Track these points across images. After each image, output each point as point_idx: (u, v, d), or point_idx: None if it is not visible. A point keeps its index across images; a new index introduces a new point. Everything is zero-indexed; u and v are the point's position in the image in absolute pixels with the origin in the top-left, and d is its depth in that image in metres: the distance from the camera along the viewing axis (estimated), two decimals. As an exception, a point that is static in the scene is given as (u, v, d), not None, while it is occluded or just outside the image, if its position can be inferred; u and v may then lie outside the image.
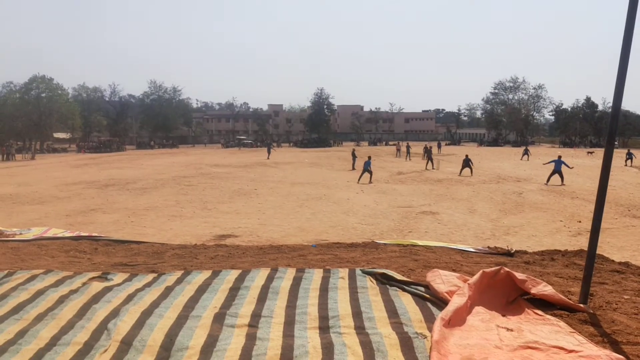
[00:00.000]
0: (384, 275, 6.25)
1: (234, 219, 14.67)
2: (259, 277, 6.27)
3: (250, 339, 4.50)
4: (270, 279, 6.21)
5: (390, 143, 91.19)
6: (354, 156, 37.16)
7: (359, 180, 26.49)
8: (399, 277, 6.21)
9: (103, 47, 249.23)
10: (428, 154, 37.65)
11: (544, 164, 28.94)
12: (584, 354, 4.08)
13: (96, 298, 5.54)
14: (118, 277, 6.43)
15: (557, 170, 25.59)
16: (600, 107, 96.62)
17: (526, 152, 49.79)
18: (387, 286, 5.94)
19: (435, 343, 4.14)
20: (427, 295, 5.53)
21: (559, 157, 26.94)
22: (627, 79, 5.20)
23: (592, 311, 5.17)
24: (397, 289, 5.81)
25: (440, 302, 5.29)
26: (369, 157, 28.11)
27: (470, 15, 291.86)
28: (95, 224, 13.94)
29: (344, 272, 6.50)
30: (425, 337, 4.47)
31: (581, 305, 5.27)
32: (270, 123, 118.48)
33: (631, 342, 4.40)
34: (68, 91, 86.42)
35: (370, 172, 26.93)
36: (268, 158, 47.10)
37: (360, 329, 4.72)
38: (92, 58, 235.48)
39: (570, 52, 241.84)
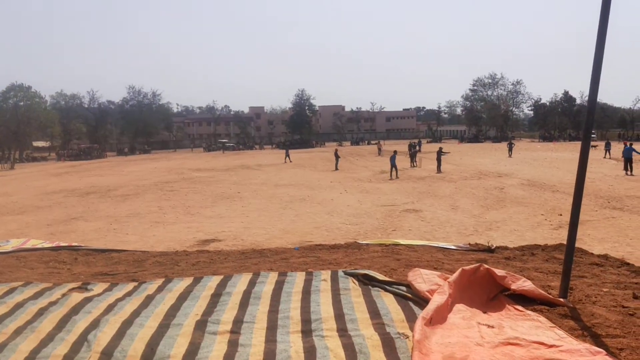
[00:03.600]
0: (366, 276, 6.26)
1: (217, 223, 14.61)
2: (240, 282, 6.24)
3: (232, 345, 4.48)
4: (252, 283, 6.19)
5: (372, 142, 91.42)
6: (337, 156, 37.22)
7: (390, 177, 27.53)
8: (381, 277, 6.22)
9: (80, 53, 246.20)
10: (410, 151, 37.97)
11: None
12: (564, 348, 4.11)
13: (76, 309, 5.46)
14: (98, 287, 6.36)
15: (627, 158, 25.60)
16: (578, 101, 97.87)
17: (510, 147, 47.37)
18: (370, 287, 5.94)
19: (416, 343, 4.15)
20: (409, 295, 5.54)
21: (631, 144, 27.10)
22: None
23: (571, 305, 5.22)
24: (379, 290, 5.81)
25: (422, 301, 5.30)
26: (395, 152, 28.89)
27: (448, 13, 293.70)
28: (77, 232, 13.80)
29: (326, 274, 6.49)
30: (407, 337, 4.47)
31: (561, 299, 5.32)
32: (252, 125, 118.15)
33: (610, 335, 4.45)
34: (46, 99, 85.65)
35: (394, 166, 28.19)
36: (285, 161, 46.36)
37: (342, 331, 4.71)
38: (69, 65, 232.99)
39: (547, 46, 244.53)
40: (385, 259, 7.59)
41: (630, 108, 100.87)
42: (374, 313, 5.09)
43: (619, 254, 8.75)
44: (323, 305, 5.38)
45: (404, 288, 5.78)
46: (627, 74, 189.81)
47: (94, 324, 5.00)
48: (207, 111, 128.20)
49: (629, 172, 25.62)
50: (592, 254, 7.92)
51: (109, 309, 5.47)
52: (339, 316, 5.06)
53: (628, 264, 7.15)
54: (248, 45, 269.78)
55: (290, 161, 45.99)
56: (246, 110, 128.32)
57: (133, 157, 77.52)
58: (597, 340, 4.37)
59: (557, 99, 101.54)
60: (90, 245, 10.61)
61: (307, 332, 4.74)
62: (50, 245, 10.29)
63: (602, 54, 5.21)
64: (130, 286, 6.38)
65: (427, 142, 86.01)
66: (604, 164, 33.31)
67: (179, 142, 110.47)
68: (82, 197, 23.05)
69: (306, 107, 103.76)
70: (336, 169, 35.28)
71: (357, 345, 4.35)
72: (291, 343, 4.47)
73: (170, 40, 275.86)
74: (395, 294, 5.62)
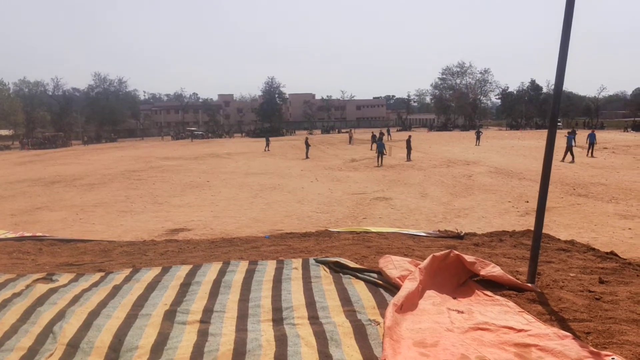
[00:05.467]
0: (337, 263, 6.26)
1: (186, 213, 14.43)
2: (210, 271, 6.18)
3: (202, 335, 4.42)
4: (222, 272, 6.12)
5: (343, 131, 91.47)
6: (307, 145, 37.14)
7: (379, 164, 27.96)
8: (352, 264, 6.22)
9: (44, 39, 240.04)
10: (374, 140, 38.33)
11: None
12: (533, 332, 4.17)
13: (41, 300, 5.33)
14: (63, 278, 6.22)
15: (569, 147, 26.38)
16: (544, 90, 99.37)
17: (478, 136, 46.99)
18: (341, 274, 5.95)
19: (387, 329, 4.15)
20: (380, 282, 5.56)
21: (572, 131, 28.43)
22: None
23: (539, 290, 5.30)
24: (351, 277, 5.82)
25: (393, 287, 5.32)
26: (381, 139, 29.95)
27: (417, 3, 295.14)
28: (42, 222, 13.47)
29: (297, 263, 6.47)
30: (379, 323, 4.48)
31: (529, 284, 5.40)
32: (221, 113, 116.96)
33: (577, 319, 4.53)
34: (9, 86, 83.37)
35: (380, 153, 28.75)
36: (266, 150, 45.79)
37: (313, 319, 4.70)
38: (33, 51, 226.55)
39: (514, 35, 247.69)
40: (356, 247, 7.59)
41: (594, 97, 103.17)
42: (345, 300, 5.09)
43: (584, 239, 8.92)
44: (294, 294, 5.36)
45: (375, 275, 5.80)
46: (592, 63, 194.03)
47: (60, 315, 4.88)
48: (175, 99, 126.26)
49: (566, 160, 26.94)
50: (558, 239, 8.07)
51: (75, 299, 5.35)
52: (310, 304, 5.05)
53: (594, 249, 7.30)
54: (216, 32, 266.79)
55: (268, 150, 45.54)
56: (215, 98, 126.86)
57: (99, 145, 75.89)
58: (564, 324, 4.45)
59: (524, 88, 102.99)
60: (55, 235, 10.36)
61: (278, 320, 4.72)
62: (13, 235, 10.01)
63: (568, 43, 5.27)
64: (96, 276, 6.26)
65: (397, 131, 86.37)
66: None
67: (146, 130, 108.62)
68: (46, 187, 22.51)
69: (276, 95, 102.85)
70: (307, 157, 35.20)
71: (328, 333, 4.34)
72: (262, 332, 4.44)
73: (136, 26, 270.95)
74: (367, 281, 5.63)
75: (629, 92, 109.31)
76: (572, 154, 26.96)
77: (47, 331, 4.58)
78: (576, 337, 4.08)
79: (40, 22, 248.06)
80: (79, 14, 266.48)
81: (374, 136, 43.71)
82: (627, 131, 65.49)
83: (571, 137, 27.67)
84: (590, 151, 29.62)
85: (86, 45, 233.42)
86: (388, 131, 62.31)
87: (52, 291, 5.61)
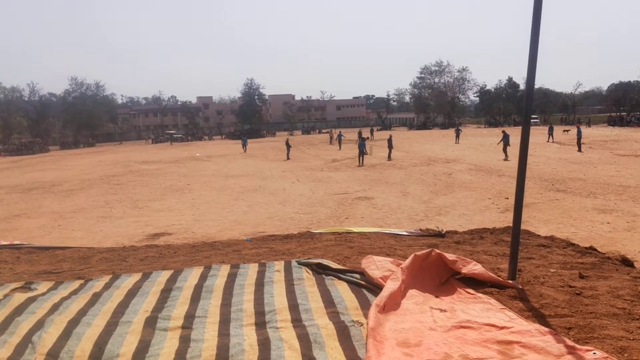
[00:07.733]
0: (319, 265, 6.24)
1: (167, 217, 14.30)
2: (191, 276, 6.12)
3: (184, 341, 4.37)
4: (203, 277, 6.07)
5: (324, 131, 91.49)
6: (288, 146, 37.11)
7: (361, 163, 28.01)
8: (334, 265, 6.21)
9: (20, 44, 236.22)
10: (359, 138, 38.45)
11: (497, 143, 31.32)
12: (515, 329, 4.20)
13: (19, 310, 5.23)
14: (42, 286, 6.11)
15: (506, 144, 28.22)
16: (521, 87, 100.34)
17: (457, 134, 47.38)
18: (323, 276, 5.93)
19: (371, 330, 4.15)
20: (363, 282, 5.56)
21: (503, 131, 29.95)
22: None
23: (520, 287, 5.34)
24: (333, 278, 5.81)
25: (376, 287, 5.32)
26: (363, 139, 30.13)
27: (395, 1, 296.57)
28: (20, 230, 13.25)
29: (279, 265, 6.44)
30: (362, 324, 4.47)
31: (510, 281, 5.44)
32: (200, 116, 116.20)
33: (558, 315, 4.56)
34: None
35: (362, 153, 28.77)
36: (244, 151, 45.73)
37: (297, 321, 4.68)
38: (7, 57, 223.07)
39: (491, 34, 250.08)
40: (339, 247, 7.59)
41: (571, 93, 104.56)
42: (328, 302, 5.08)
43: (564, 234, 9.02)
44: (277, 297, 5.33)
45: (357, 275, 5.79)
46: (568, 60, 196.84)
47: (39, 325, 4.80)
48: (153, 102, 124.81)
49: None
50: (538, 235, 8.14)
51: (54, 308, 5.27)
52: (293, 307, 5.02)
53: (573, 244, 7.38)
54: (194, 34, 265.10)
55: (245, 151, 45.45)
56: (194, 101, 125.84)
57: (77, 150, 75.01)
58: (546, 320, 4.48)
59: (502, 85, 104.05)
60: (33, 243, 10.20)
61: (261, 324, 4.68)
62: (-11, 244, 9.84)
63: (537, 41, 5.33)
64: (76, 284, 6.17)
65: (377, 130, 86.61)
66: (547, 147, 34.34)
67: (124, 134, 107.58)
68: (24, 193, 22.18)
69: (256, 97, 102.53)
70: (288, 158, 35.17)
71: (311, 335, 4.32)
72: (245, 336, 4.40)
73: (113, 30, 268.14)
74: (349, 282, 5.62)
75: (605, 87, 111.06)
76: (505, 152, 27.89)
77: (26, 341, 4.49)
78: (558, 332, 4.11)
79: (15, 26, 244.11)
80: (55, 18, 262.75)
81: (339, 135, 45.35)
82: (590, 126, 66.98)
83: (508, 135, 29.15)
84: (578, 146, 30.65)
85: (62, 49, 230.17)
86: (371, 131, 62.61)
87: (31, 300, 5.51)
